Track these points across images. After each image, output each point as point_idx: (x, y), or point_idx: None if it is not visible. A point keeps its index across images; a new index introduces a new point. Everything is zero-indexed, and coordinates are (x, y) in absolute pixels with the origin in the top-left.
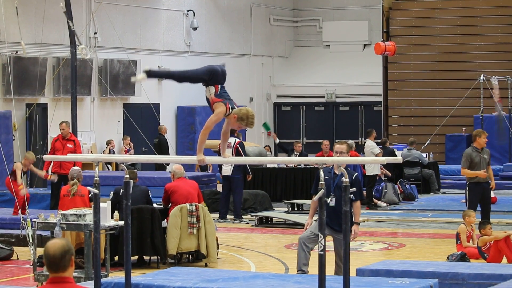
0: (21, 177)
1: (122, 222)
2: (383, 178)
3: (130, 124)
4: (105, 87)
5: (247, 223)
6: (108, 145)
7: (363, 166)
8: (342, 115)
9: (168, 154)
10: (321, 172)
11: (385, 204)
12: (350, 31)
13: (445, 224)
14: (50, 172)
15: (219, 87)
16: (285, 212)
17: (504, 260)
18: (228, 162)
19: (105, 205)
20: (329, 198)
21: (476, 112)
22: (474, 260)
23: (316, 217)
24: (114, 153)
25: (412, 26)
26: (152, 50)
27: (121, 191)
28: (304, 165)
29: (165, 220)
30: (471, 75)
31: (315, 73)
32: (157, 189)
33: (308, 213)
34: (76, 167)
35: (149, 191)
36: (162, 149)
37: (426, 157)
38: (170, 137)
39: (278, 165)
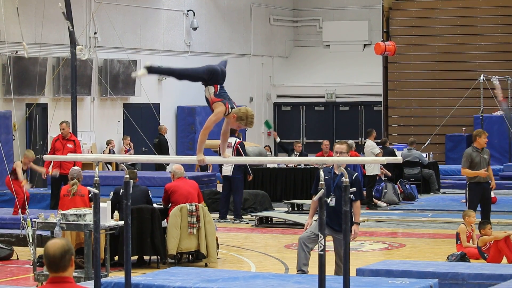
0: (23, 173)
1: (122, 222)
2: (383, 178)
3: (130, 124)
4: (105, 87)
5: (247, 223)
6: (108, 145)
7: (363, 166)
8: (342, 115)
9: (168, 154)
10: (321, 172)
11: (385, 204)
12: (350, 31)
13: (445, 224)
14: (50, 172)
15: (218, 86)
16: (285, 212)
17: (504, 260)
18: (228, 162)
19: (105, 205)
20: (329, 198)
21: (476, 112)
22: (474, 260)
23: (316, 217)
24: (114, 153)
25: (412, 26)
26: (152, 50)
27: (121, 191)
28: (304, 165)
29: (165, 220)
30: (471, 75)
31: (315, 73)
32: (157, 189)
33: (308, 213)
34: (76, 167)
35: (149, 191)
36: (162, 149)
37: (426, 157)
38: (170, 137)
39: (278, 165)
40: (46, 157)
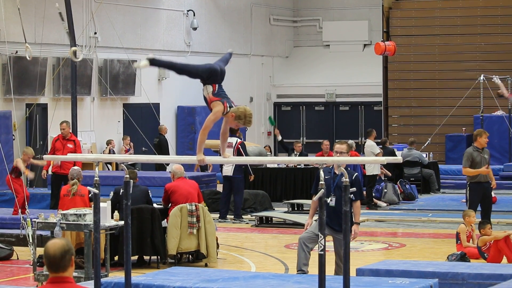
0: (25, 167)
1: (122, 222)
2: (383, 178)
3: (130, 124)
4: (105, 87)
5: (247, 223)
6: (108, 145)
7: (363, 166)
8: (342, 115)
9: (168, 154)
10: (321, 172)
11: (385, 204)
12: (350, 31)
13: (445, 224)
14: (50, 172)
15: (217, 86)
16: (285, 212)
17: (504, 260)
18: (228, 162)
19: (105, 205)
20: (329, 198)
21: (476, 112)
22: (474, 260)
23: (316, 217)
24: (114, 153)
25: (412, 26)
26: (152, 50)
27: (121, 191)
28: (304, 165)
29: (165, 220)
30: (471, 75)
31: (315, 73)
32: (157, 189)
33: (308, 213)
34: (76, 167)
35: (149, 191)
36: (162, 149)
37: (426, 157)
38: (170, 137)
39: (278, 165)
40: (46, 157)
